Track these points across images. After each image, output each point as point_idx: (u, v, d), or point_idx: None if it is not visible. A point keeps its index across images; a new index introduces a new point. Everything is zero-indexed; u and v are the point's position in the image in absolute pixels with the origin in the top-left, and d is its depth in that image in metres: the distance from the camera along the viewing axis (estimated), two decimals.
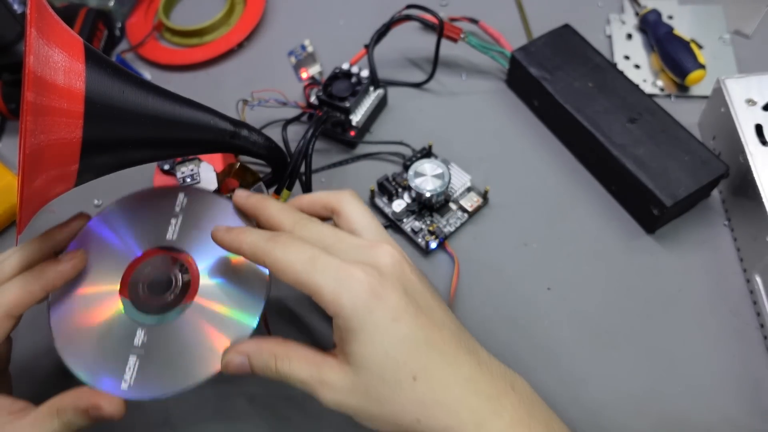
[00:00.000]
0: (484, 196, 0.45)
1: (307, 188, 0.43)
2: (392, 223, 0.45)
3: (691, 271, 0.42)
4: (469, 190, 0.46)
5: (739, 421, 0.36)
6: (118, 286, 0.34)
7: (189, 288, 0.34)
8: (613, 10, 0.56)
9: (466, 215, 0.45)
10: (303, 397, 0.39)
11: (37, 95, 0.27)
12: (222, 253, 0.34)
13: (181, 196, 0.37)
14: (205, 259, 0.35)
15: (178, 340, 0.32)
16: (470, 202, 0.45)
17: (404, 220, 0.44)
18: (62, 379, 0.32)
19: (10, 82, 0.50)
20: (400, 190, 0.46)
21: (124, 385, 0.32)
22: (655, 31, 0.52)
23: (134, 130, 0.32)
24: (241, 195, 0.36)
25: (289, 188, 0.41)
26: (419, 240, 0.43)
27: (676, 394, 0.37)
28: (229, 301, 0.33)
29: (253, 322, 0.33)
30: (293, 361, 0.30)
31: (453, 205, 0.45)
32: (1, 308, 0.31)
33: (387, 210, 0.45)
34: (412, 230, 0.44)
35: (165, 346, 0.32)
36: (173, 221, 0.36)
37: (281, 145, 0.42)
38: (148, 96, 0.32)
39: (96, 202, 0.48)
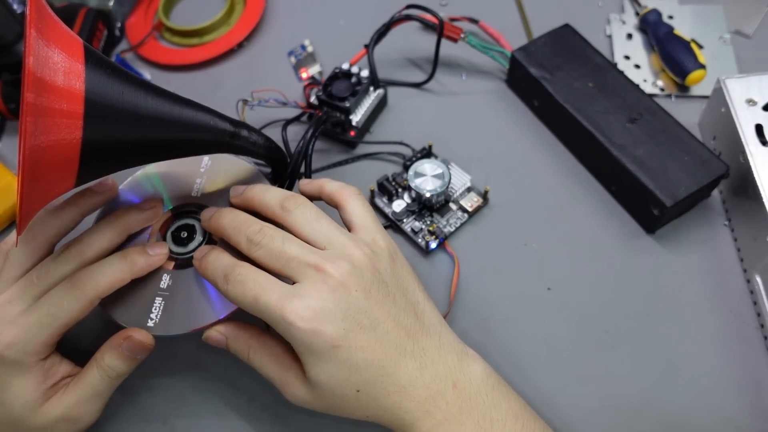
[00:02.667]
0: (484, 196, 0.45)
1: None
2: (392, 223, 0.45)
3: (691, 271, 0.42)
4: (469, 190, 0.46)
5: (739, 421, 0.36)
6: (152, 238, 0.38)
7: (209, 238, 0.38)
8: (613, 10, 0.56)
9: (466, 215, 0.45)
10: None
11: (37, 96, 0.27)
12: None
13: (206, 159, 0.41)
14: None
15: (197, 283, 0.36)
16: (470, 202, 0.45)
17: (404, 220, 0.44)
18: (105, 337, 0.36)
19: (10, 82, 0.50)
20: (400, 190, 0.46)
21: (150, 323, 0.35)
22: (656, 31, 0.52)
23: (134, 130, 0.32)
24: (236, 191, 0.37)
25: (289, 188, 0.41)
26: (419, 240, 0.43)
27: (676, 394, 0.37)
28: None
29: None
30: (263, 358, 0.34)
31: (453, 205, 0.45)
32: (96, 290, 0.34)
33: (387, 210, 0.45)
34: (412, 230, 0.44)
35: (187, 288, 0.36)
36: (198, 180, 0.40)
37: (281, 145, 0.42)
38: (148, 96, 0.32)
39: None
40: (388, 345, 0.32)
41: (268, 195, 0.36)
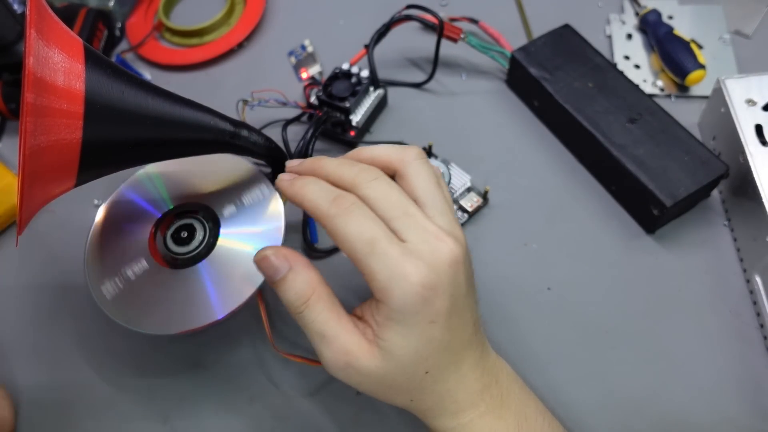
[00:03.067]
0: (484, 196, 0.45)
1: None
2: None
3: (691, 271, 0.42)
4: (469, 190, 0.45)
5: (739, 421, 0.36)
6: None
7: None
8: (613, 10, 0.56)
9: (466, 215, 0.45)
10: (302, 397, 0.39)
11: (37, 96, 0.27)
12: None
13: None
14: None
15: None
16: (470, 202, 0.45)
17: None
18: None
19: (10, 82, 0.50)
20: None
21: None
22: (655, 31, 0.52)
23: (134, 130, 0.32)
24: (293, 163, 0.34)
25: None
26: None
27: (676, 394, 0.37)
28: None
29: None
30: (325, 311, 0.30)
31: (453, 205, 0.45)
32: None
33: None
34: None
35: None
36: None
37: (281, 145, 0.42)
38: (148, 96, 0.32)
39: (96, 202, 0.48)
40: (465, 333, 0.31)
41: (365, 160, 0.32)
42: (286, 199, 0.34)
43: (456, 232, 0.31)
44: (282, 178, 0.33)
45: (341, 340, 0.29)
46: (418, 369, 0.30)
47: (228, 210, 0.39)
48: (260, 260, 0.31)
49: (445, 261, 0.29)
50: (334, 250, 0.44)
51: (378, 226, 0.29)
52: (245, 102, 0.46)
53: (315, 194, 0.30)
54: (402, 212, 0.30)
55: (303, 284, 0.30)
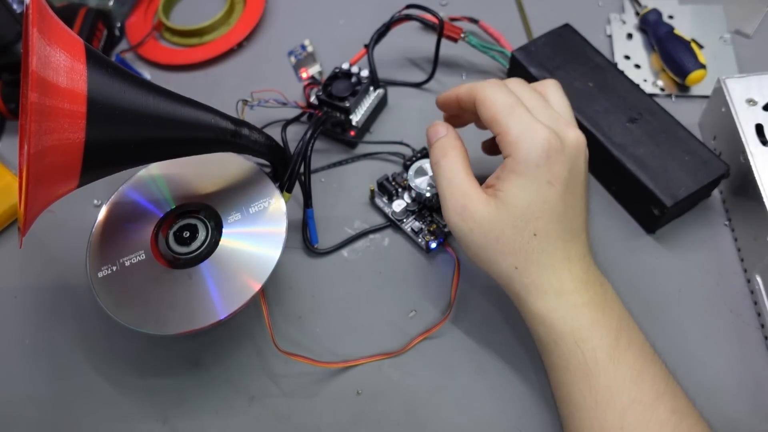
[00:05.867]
0: None
1: (307, 189, 0.43)
2: (392, 223, 0.45)
3: (692, 271, 0.42)
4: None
5: (739, 421, 0.36)
6: None
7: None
8: (613, 9, 0.56)
9: None
10: (302, 397, 0.39)
11: (40, 97, 0.27)
12: None
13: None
14: None
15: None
16: None
17: (404, 220, 0.44)
18: None
19: (9, 82, 0.50)
20: (400, 190, 0.45)
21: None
22: (656, 31, 0.52)
23: (136, 130, 0.32)
24: (458, 89, 0.39)
25: (289, 190, 0.41)
26: (419, 240, 0.43)
27: None
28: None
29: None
30: (459, 163, 0.36)
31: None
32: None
33: (387, 210, 0.45)
34: (412, 230, 0.44)
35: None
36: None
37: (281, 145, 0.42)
38: (149, 96, 0.32)
39: (96, 202, 0.48)
40: (577, 220, 0.34)
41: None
42: (444, 100, 0.40)
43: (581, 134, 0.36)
44: (438, 96, 0.40)
45: (464, 186, 0.35)
46: (527, 225, 0.33)
47: (233, 218, 0.39)
48: (430, 127, 0.39)
49: (570, 140, 0.34)
50: (334, 250, 0.44)
51: (519, 101, 0.35)
52: (245, 102, 0.46)
53: (466, 85, 0.38)
54: (541, 104, 0.36)
55: (449, 141, 0.37)
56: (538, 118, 0.34)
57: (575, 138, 0.35)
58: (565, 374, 0.33)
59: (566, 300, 0.33)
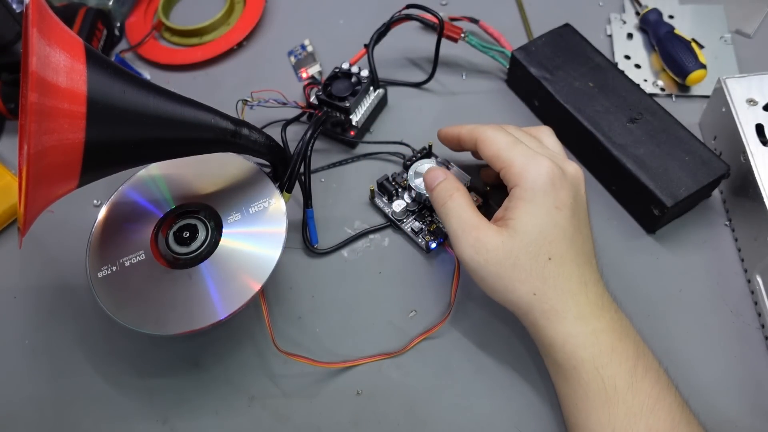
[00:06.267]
0: (485, 195, 0.45)
1: (306, 190, 0.43)
2: (392, 223, 0.45)
3: (692, 271, 0.42)
4: (469, 190, 0.45)
5: (739, 421, 0.36)
6: None
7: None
8: (613, 9, 0.56)
9: None
10: (302, 397, 0.39)
11: (40, 97, 0.27)
12: None
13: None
14: None
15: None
16: None
17: (404, 220, 0.44)
18: None
19: (9, 82, 0.50)
20: (400, 190, 0.45)
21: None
22: (656, 31, 0.52)
23: (136, 130, 0.32)
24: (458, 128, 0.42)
25: (289, 190, 0.41)
26: (419, 240, 0.43)
27: None
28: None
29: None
30: (463, 203, 0.37)
31: None
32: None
33: (387, 210, 0.45)
34: (412, 230, 0.44)
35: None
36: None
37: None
38: (150, 96, 0.32)
39: (95, 202, 0.48)
40: (587, 244, 0.36)
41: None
42: (446, 135, 0.43)
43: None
44: (441, 129, 0.44)
45: (474, 220, 0.36)
46: (541, 250, 0.33)
47: (233, 218, 0.39)
48: (427, 172, 0.40)
49: (570, 171, 0.36)
50: (334, 250, 0.44)
51: (519, 140, 0.37)
52: (245, 102, 0.46)
53: (468, 125, 0.41)
54: (537, 144, 0.39)
55: (452, 183, 0.38)
56: (538, 153, 0.36)
57: (574, 169, 0.37)
58: (583, 401, 0.32)
59: (586, 325, 0.33)
